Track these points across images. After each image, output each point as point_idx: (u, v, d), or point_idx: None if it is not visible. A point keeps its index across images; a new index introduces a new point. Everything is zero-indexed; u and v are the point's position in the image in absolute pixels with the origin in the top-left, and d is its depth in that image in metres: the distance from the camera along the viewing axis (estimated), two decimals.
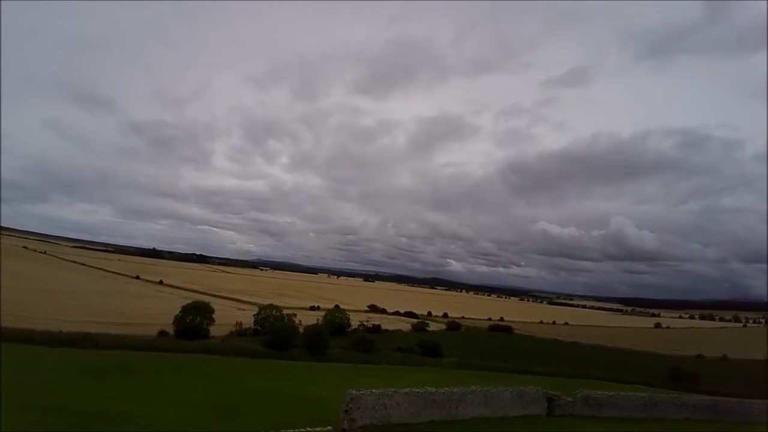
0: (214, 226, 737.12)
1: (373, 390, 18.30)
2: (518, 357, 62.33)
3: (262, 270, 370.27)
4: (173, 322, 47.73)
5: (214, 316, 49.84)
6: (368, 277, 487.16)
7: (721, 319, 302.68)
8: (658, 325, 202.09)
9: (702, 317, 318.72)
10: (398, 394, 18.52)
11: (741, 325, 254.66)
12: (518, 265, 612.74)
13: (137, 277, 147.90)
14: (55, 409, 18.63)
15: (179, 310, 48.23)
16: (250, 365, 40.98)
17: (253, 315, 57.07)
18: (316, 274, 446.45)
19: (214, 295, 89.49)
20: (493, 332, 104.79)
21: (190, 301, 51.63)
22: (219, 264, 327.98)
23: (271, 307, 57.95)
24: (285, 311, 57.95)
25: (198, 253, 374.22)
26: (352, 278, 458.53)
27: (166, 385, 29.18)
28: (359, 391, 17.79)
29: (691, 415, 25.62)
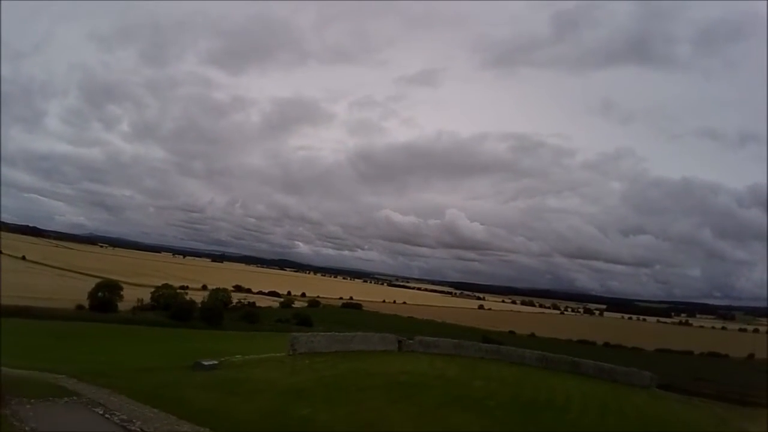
0: (42, 195, 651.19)
1: (304, 333, 31.17)
2: (368, 327, 78.00)
3: (101, 246, 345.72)
4: (88, 298, 54.80)
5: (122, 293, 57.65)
6: (216, 257, 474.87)
7: (541, 306, 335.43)
8: (481, 307, 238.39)
9: (523, 303, 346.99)
10: (319, 335, 31.70)
11: (559, 312, 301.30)
12: (362, 249, 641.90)
13: None
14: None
15: (93, 286, 55.55)
16: (165, 333, 50.33)
17: (151, 292, 64.78)
18: (159, 252, 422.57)
19: (82, 273, 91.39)
20: (346, 308, 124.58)
21: (62, 277, 57.91)
22: (54, 238, 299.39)
23: (166, 286, 66.18)
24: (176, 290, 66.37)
25: (27, 224, 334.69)
26: (198, 258, 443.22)
27: (123, 346, 38.53)
28: (298, 333, 30.54)
29: (484, 356, 41.74)
